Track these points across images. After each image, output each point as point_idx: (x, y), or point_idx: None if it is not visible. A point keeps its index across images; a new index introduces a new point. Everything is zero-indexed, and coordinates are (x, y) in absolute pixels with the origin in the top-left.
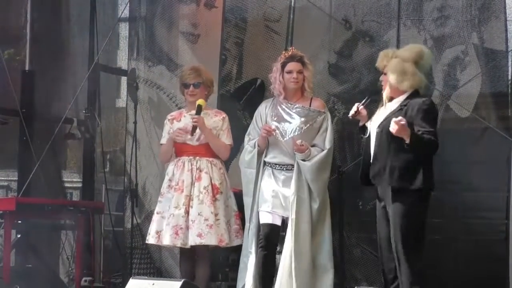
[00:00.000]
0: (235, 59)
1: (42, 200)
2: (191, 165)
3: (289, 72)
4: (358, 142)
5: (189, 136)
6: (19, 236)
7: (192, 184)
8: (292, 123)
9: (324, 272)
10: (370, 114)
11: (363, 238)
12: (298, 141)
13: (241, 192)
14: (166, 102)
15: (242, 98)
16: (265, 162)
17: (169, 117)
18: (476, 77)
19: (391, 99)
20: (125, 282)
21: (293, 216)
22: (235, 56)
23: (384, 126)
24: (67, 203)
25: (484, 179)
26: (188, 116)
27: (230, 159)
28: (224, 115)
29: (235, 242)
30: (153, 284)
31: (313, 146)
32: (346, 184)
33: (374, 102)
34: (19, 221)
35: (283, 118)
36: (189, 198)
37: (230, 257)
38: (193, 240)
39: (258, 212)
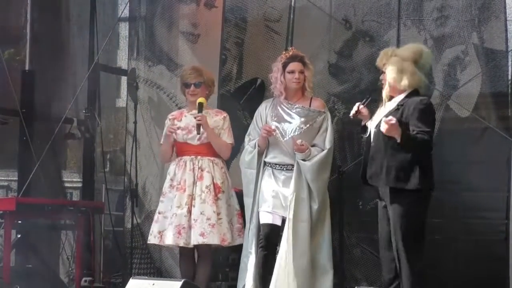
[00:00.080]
0: (235, 59)
1: (42, 200)
2: (193, 165)
3: (291, 72)
4: (358, 142)
5: (190, 136)
6: (19, 236)
7: (194, 183)
8: (292, 123)
9: (323, 272)
10: (371, 114)
11: (363, 238)
12: (298, 141)
13: (242, 192)
14: (166, 102)
15: (242, 98)
16: (265, 162)
17: (170, 116)
18: (476, 77)
19: (391, 98)
20: (125, 282)
21: (291, 216)
22: (235, 56)
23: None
24: (67, 203)
25: (484, 179)
26: (189, 115)
27: (230, 159)
28: (225, 114)
29: (238, 241)
30: (153, 284)
31: (313, 146)
32: (346, 184)
33: (374, 101)
34: (19, 221)
35: (283, 118)
36: (191, 197)
37: (230, 257)
38: (195, 239)
39: (258, 212)
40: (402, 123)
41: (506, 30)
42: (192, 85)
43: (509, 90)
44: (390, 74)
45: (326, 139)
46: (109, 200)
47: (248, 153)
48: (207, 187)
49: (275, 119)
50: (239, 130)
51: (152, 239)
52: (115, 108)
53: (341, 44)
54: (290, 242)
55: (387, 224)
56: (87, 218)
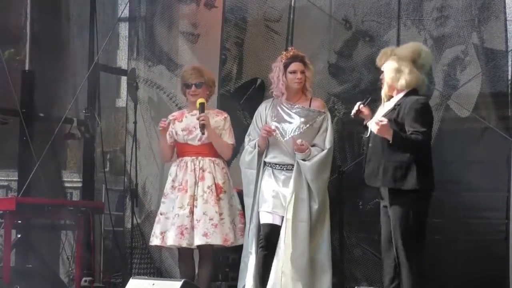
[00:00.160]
0: (235, 59)
1: (42, 200)
2: (194, 165)
3: (293, 72)
4: (358, 142)
5: (190, 136)
6: (19, 236)
7: (196, 184)
8: (292, 123)
9: (322, 272)
10: (373, 113)
11: (363, 238)
12: (298, 141)
13: (242, 192)
14: (166, 102)
15: (242, 98)
16: (265, 162)
17: (170, 117)
18: (476, 77)
19: (390, 97)
20: (125, 282)
21: (289, 216)
22: (235, 56)
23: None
24: (67, 203)
25: (484, 179)
26: (189, 116)
27: (230, 159)
28: (226, 115)
29: (240, 241)
30: (153, 284)
31: (313, 146)
32: (346, 184)
33: (374, 101)
34: (19, 221)
35: (283, 119)
36: (193, 198)
37: (230, 257)
38: (198, 240)
39: (258, 212)
40: (398, 123)
41: (506, 30)
42: (193, 86)
43: (509, 90)
44: (388, 73)
45: (326, 139)
46: (109, 200)
47: (248, 153)
48: (208, 187)
49: (275, 119)
50: (239, 130)
51: (154, 240)
52: (115, 108)
53: (341, 44)
54: (288, 242)
55: (388, 224)
56: (87, 218)
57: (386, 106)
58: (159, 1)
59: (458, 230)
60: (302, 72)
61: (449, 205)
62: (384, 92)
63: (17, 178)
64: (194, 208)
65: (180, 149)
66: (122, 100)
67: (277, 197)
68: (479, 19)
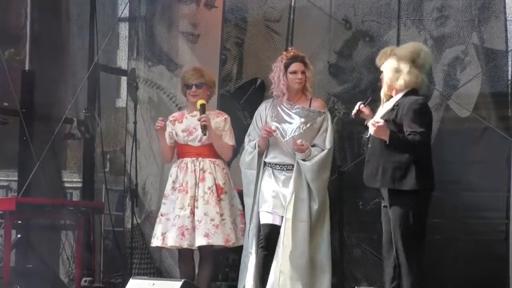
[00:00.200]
0: (235, 59)
1: (42, 200)
2: (194, 166)
3: (294, 72)
4: (358, 142)
5: (191, 137)
6: (19, 236)
7: (196, 185)
8: (292, 123)
9: (322, 272)
10: (373, 113)
11: (363, 238)
12: (299, 141)
13: (242, 192)
14: (166, 102)
15: (242, 98)
16: (265, 163)
17: (170, 118)
18: (476, 77)
19: (390, 97)
20: (125, 282)
21: (289, 216)
22: (235, 56)
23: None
24: (67, 203)
25: (484, 179)
26: (190, 117)
27: (230, 160)
28: (226, 116)
29: (242, 241)
30: (153, 284)
31: (313, 146)
32: (346, 184)
33: (375, 101)
34: (19, 221)
35: (283, 119)
36: (194, 199)
37: (230, 257)
38: (200, 240)
39: (258, 213)
40: (397, 124)
41: (506, 30)
42: (194, 86)
43: (509, 90)
44: (387, 73)
45: (326, 139)
46: (109, 200)
47: (248, 153)
48: (209, 188)
49: (275, 119)
50: (239, 131)
51: (155, 242)
52: (115, 108)
53: (341, 44)
54: (287, 242)
55: (389, 225)
56: (87, 218)
57: (385, 106)
58: (159, 1)
59: (458, 230)
60: (303, 72)
61: (449, 205)
62: (383, 92)
63: (17, 178)
64: (195, 209)
65: (180, 150)
66: (122, 100)
67: (277, 197)
68: (479, 19)
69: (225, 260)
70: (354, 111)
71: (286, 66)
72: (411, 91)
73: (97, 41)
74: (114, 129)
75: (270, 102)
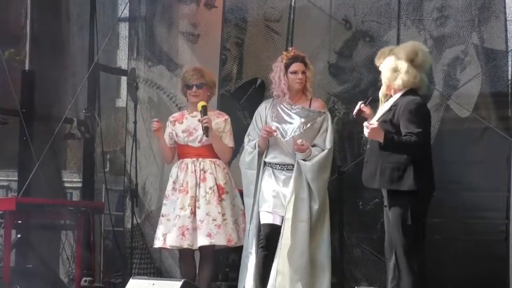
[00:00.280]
0: (235, 59)
1: (42, 200)
2: (195, 167)
3: (294, 72)
4: (358, 142)
5: (191, 138)
6: (19, 236)
7: (197, 185)
8: (292, 123)
9: (322, 271)
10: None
11: (363, 238)
12: (299, 141)
13: (242, 192)
14: (166, 102)
15: (242, 98)
16: (265, 163)
17: (171, 118)
18: (476, 77)
19: (390, 97)
20: (125, 282)
21: (288, 216)
22: (235, 56)
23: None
24: (67, 203)
25: (484, 179)
26: (190, 117)
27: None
28: (227, 116)
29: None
30: (153, 284)
31: (313, 146)
32: (346, 184)
33: (375, 101)
34: (19, 221)
35: (283, 119)
36: (195, 199)
37: (230, 257)
38: (202, 240)
39: (258, 213)
40: (394, 125)
41: (506, 30)
42: (194, 87)
43: (509, 90)
44: (385, 73)
45: (327, 140)
46: (109, 200)
47: (248, 153)
48: (210, 188)
49: (275, 119)
50: (239, 131)
51: (157, 243)
52: (115, 108)
53: (341, 44)
54: (285, 242)
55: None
56: (87, 218)
57: (384, 107)
58: (159, 1)
59: (458, 230)
60: (303, 73)
61: (449, 205)
62: (382, 92)
63: (17, 178)
64: (197, 209)
65: (181, 151)
66: (122, 100)
67: (277, 197)
68: (479, 19)
69: (225, 260)
70: (355, 111)
71: (287, 66)
72: (409, 91)
73: (97, 41)
74: (114, 129)
75: (270, 102)
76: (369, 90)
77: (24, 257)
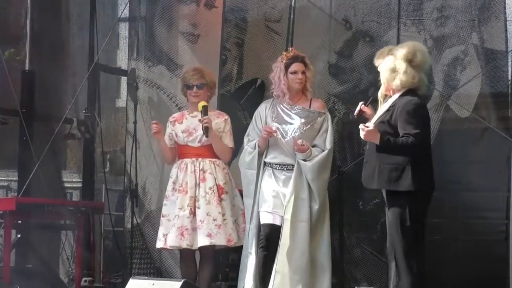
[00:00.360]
0: (236, 59)
1: (42, 200)
2: (194, 167)
3: (294, 72)
4: (358, 142)
5: (190, 138)
6: (19, 236)
7: (197, 185)
8: (292, 124)
9: (322, 271)
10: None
11: (363, 238)
12: (299, 141)
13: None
14: (166, 102)
15: (243, 98)
16: (265, 163)
17: (171, 119)
18: (476, 77)
19: (389, 98)
20: (125, 282)
21: (287, 216)
22: (236, 56)
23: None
24: (67, 203)
25: (484, 179)
26: (190, 117)
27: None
28: (227, 116)
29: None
30: (153, 284)
31: (313, 146)
32: (346, 184)
33: (376, 101)
34: (19, 221)
35: (283, 119)
36: (194, 199)
37: (230, 257)
38: (202, 240)
39: (258, 213)
40: (392, 125)
41: (506, 30)
42: (195, 87)
43: (509, 90)
44: (383, 73)
45: (327, 140)
46: (109, 200)
47: (248, 153)
48: (210, 188)
49: (275, 120)
50: (239, 131)
51: (159, 244)
52: (115, 108)
53: (341, 44)
54: (285, 242)
55: None
56: (87, 218)
57: (383, 107)
58: (159, 1)
59: (458, 230)
60: (303, 73)
61: (449, 205)
62: (381, 92)
63: (17, 178)
64: (197, 209)
65: (180, 151)
66: (122, 100)
67: (277, 197)
68: (479, 19)
69: (225, 260)
70: (356, 111)
71: (287, 66)
72: (408, 92)
73: (97, 41)
74: (114, 129)
75: (270, 102)
76: (369, 90)
77: (24, 257)
